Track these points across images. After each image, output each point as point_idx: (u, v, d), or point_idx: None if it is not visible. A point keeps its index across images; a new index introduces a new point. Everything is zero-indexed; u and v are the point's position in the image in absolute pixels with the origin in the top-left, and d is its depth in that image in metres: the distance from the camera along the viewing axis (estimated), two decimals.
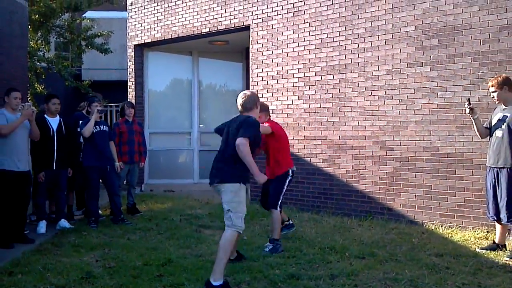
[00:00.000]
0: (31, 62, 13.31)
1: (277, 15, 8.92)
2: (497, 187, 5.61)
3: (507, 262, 5.29)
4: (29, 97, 12.37)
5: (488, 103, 6.51)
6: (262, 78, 9.18)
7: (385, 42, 7.61)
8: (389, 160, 7.57)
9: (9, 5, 9.25)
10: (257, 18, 9.22)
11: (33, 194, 7.02)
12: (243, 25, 9.48)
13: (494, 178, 5.64)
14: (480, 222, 6.66)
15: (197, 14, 10.20)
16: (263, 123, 5.79)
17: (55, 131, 6.98)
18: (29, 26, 12.49)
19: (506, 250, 5.70)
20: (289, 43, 8.75)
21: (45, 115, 7.04)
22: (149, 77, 11.60)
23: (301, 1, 8.56)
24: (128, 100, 10.78)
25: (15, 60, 9.50)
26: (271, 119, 6.28)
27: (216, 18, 9.89)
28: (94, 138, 7.23)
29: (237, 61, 11.81)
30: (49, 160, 6.89)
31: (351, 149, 7.97)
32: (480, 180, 6.56)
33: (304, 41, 8.55)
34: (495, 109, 5.90)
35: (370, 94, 7.77)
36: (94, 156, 7.25)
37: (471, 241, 6.25)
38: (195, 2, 10.24)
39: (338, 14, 8.11)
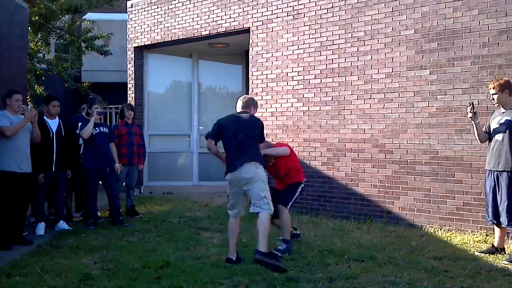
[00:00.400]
0: (31, 64, 13.31)
1: (277, 17, 8.93)
2: (497, 191, 5.60)
3: (506, 265, 5.29)
4: (28, 99, 12.37)
5: (487, 106, 6.51)
6: (262, 80, 9.19)
7: (385, 45, 7.62)
8: (388, 163, 7.57)
9: (9, 7, 9.25)
10: (257, 21, 9.23)
11: (32, 195, 7.02)
12: (243, 27, 9.49)
13: (494, 181, 5.63)
14: (479, 225, 6.65)
15: (197, 17, 10.21)
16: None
17: (54, 133, 6.98)
18: (29, 28, 12.49)
19: (505, 253, 5.69)
20: (289, 45, 8.76)
21: (44, 117, 7.04)
22: (149, 79, 11.60)
23: (301, 4, 8.58)
24: (128, 102, 10.79)
25: (15, 61, 9.49)
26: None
27: (216, 21, 9.90)
28: (93, 140, 7.23)
29: (237, 64, 11.81)
30: (48, 162, 6.89)
31: (350, 152, 7.97)
32: (480, 184, 6.55)
33: (304, 43, 8.56)
34: (493, 112, 5.90)
35: (369, 97, 7.77)
36: (94, 158, 7.24)
37: (470, 245, 6.25)
38: (195, 5, 10.25)
39: (338, 17, 8.12)
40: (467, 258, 5.58)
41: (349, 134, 7.99)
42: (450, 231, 6.84)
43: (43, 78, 14.55)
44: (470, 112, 5.77)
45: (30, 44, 13.44)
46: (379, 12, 7.67)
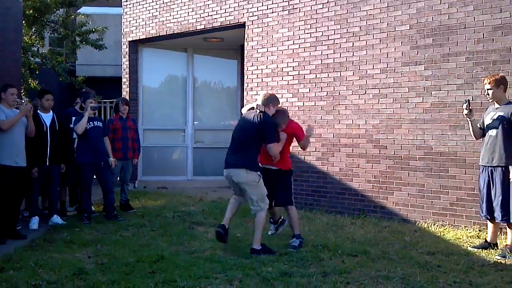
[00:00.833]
0: (25, 58, 13.23)
1: (272, 12, 8.91)
2: (491, 186, 5.62)
3: (499, 260, 5.32)
4: (22, 92, 12.31)
5: (481, 102, 6.53)
6: (257, 75, 9.18)
7: (380, 41, 7.62)
8: (383, 158, 7.59)
9: (3, 0, 9.20)
10: (252, 16, 9.21)
11: (26, 189, 7.00)
12: (238, 22, 9.46)
13: (488, 177, 5.65)
14: (472, 220, 6.69)
15: (192, 11, 10.18)
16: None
17: (48, 126, 6.96)
18: (23, 21, 12.42)
19: (497, 249, 5.73)
20: (284, 40, 8.75)
21: (38, 111, 7.01)
22: (144, 74, 11.56)
23: None
24: (122, 96, 10.75)
25: (9, 55, 9.45)
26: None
27: (211, 15, 9.88)
28: (87, 135, 7.20)
29: (232, 59, 11.79)
30: (42, 156, 6.88)
31: (345, 147, 7.99)
32: (473, 179, 6.58)
33: (299, 39, 8.55)
34: (487, 108, 5.92)
35: (364, 92, 7.78)
36: (88, 153, 7.22)
37: (463, 240, 6.28)
38: None
39: (334, 12, 8.11)
40: (460, 253, 5.61)
41: (343, 129, 7.99)
42: (444, 226, 6.87)
43: (37, 72, 14.47)
44: (465, 109, 5.79)
45: (24, 37, 13.36)
46: (375, 7, 7.67)
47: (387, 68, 7.55)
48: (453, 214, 6.90)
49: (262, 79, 9.10)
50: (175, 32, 10.48)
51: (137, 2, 11.20)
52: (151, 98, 11.70)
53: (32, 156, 6.63)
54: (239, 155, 5.55)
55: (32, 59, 14.12)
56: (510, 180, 5.38)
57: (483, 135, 5.80)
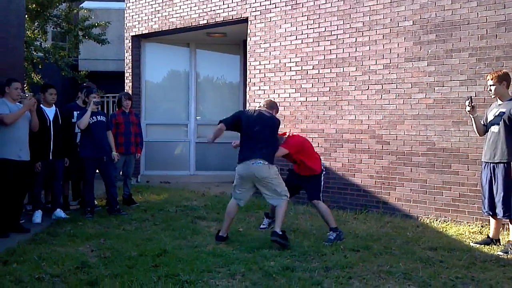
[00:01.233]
0: (28, 52, 13.26)
1: (275, 8, 8.90)
2: (493, 182, 5.63)
3: (501, 256, 5.32)
4: (25, 87, 12.33)
5: (485, 98, 6.52)
6: (260, 70, 9.17)
7: (383, 36, 7.61)
8: (385, 154, 7.59)
9: None
10: (255, 11, 9.20)
11: (29, 184, 7.02)
12: (241, 17, 9.45)
13: (490, 173, 5.65)
14: (474, 216, 6.69)
15: (195, 6, 10.16)
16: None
17: (51, 121, 6.98)
18: (26, 16, 12.43)
19: (500, 244, 5.73)
20: (287, 36, 8.74)
21: (41, 105, 7.02)
22: (146, 68, 11.56)
23: None
24: (125, 91, 10.76)
25: (12, 50, 9.46)
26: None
27: (214, 10, 9.86)
28: (90, 129, 7.21)
29: (234, 54, 11.78)
30: (45, 150, 6.89)
31: (348, 143, 7.99)
32: (476, 175, 6.58)
33: (302, 34, 8.54)
34: (491, 105, 5.91)
35: (367, 88, 7.77)
36: (91, 147, 7.24)
37: (466, 235, 6.29)
38: None
39: (337, 7, 8.10)
40: (462, 248, 5.61)
41: (346, 124, 7.99)
42: (446, 222, 6.87)
43: (40, 67, 14.50)
44: (468, 106, 5.78)
45: (27, 32, 13.38)
46: (378, 2, 7.65)
47: (390, 64, 7.54)
48: (455, 210, 6.90)
49: (265, 75, 9.09)
50: (178, 27, 10.47)
51: None
52: (153, 93, 11.70)
53: (36, 150, 6.65)
54: (261, 152, 5.61)
55: (35, 53, 14.15)
56: None
57: (486, 131, 5.79)
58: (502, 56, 6.56)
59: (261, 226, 6.52)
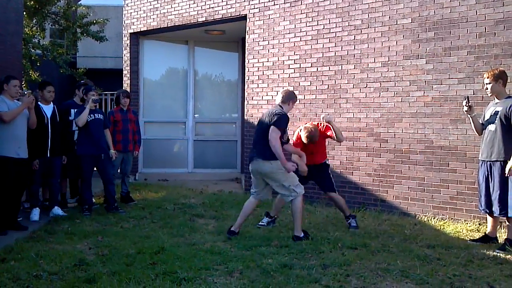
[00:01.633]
0: (26, 49, 13.21)
1: (274, 5, 8.89)
2: (490, 181, 5.64)
3: (498, 254, 5.33)
4: (24, 84, 12.30)
5: (483, 96, 6.53)
6: (258, 68, 9.17)
7: (382, 34, 7.60)
8: (383, 152, 7.60)
9: None
10: (254, 8, 9.19)
11: (27, 181, 7.01)
12: (239, 14, 9.44)
13: (487, 171, 5.66)
14: (472, 214, 6.70)
15: (194, 3, 10.15)
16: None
17: (49, 118, 6.98)
18: (24, 13, 12.38)
19: (497, 242, 5.74)
20: (286, 33, 8.74)
21: (38, 103, 7.01)
22: (145, 66, 11.54)
23: None
24: (123, 88, 10.74)
25: (10, 47, 9.42)
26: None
27: (212, 7, 9.85)
28: (88, 127, 7.21)
29: (233, 51, 11.76)
30: (43, 148, 6.89)
31: (346, 141, 7.97)
32: (473, 173, 6.59)
33: (301, 31, 8.53)
34: (488, 103, 5.92)
35: (365, 86, 7.77)
36: (89, 145, 7.23)
37: (463, 233, 6.30)
38: None
39: (335, 5, 8.09)
40: (459, 246, 5.63)
41: (344, 122, 7.99)
42: (443, 220, 6.89)
43: (38, 64, 14.45)
44: (465, 105, 5.79)
45: (25, 29, 13.33)
46: (376, 0, 7.64)
47: (389, 62, 7.54)
48: (453, 208, 6.91)
49: (263, 72, 9.09)
50: (176, 24, 10.46)
51: None
52: (152, 91, 11.69)
53: (33, 148, 6.65)
54: (257, 150, 5.78)
55: (33, 50, 14.10)
56: (506, 175, 5.37)
57: (483, 130, 5.80)
58: (501, 54, 6.56)
59: (260, 223, 6.52)
